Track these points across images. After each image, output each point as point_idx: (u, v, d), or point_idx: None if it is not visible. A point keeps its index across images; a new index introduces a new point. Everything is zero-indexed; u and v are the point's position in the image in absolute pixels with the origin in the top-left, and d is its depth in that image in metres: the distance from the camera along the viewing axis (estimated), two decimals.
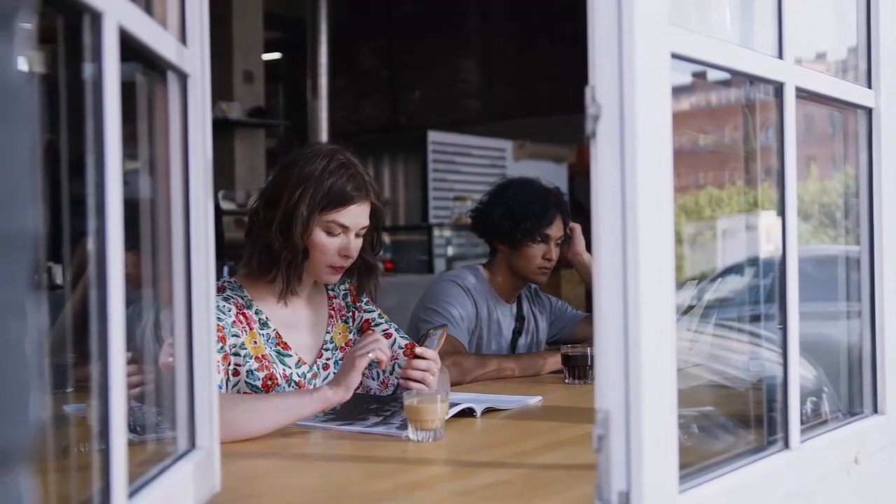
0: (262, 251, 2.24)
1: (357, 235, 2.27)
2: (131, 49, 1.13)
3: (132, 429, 1.25)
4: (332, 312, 2.42)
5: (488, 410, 2.21)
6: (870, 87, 1.83)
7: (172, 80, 1.36)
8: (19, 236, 0.58)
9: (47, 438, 1.09)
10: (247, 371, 2.17)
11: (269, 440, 1.93)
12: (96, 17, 1.01)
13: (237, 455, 1.76)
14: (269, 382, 2.20)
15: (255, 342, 2.21)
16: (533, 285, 3.23)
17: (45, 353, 0.62)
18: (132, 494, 1.11)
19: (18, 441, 0.57)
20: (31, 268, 0.60)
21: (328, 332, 2.38)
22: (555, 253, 3.06)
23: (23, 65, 0.60)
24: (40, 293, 0.63)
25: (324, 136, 8.92)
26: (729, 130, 2.07)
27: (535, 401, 2.38)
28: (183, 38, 1.37)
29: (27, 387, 0.58)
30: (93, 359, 1.04)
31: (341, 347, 2.39)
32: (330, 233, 2.23)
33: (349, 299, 2.46)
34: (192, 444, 1.39)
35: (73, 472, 1.22)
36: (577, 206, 6.05)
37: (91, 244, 1.03)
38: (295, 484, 1.66)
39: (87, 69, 1.02)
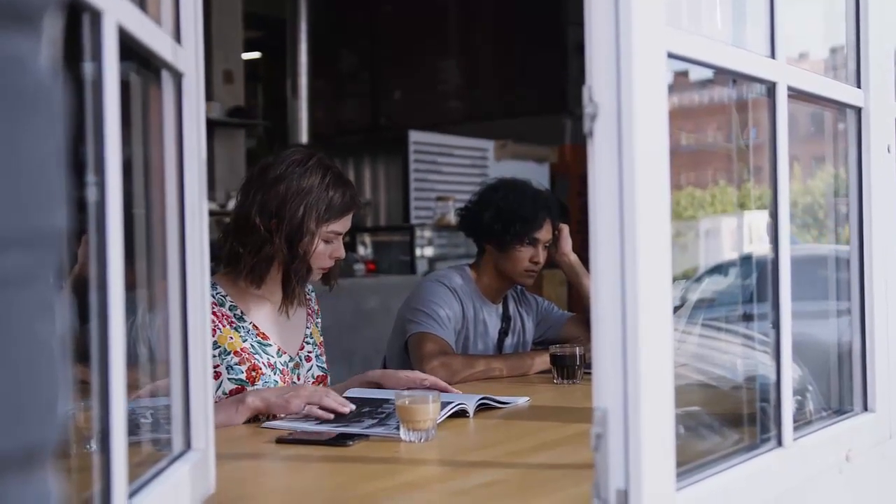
0: (264, 262, 2.28)
1: (343, 238, 2.39)
2: (127, 48, 1.12)
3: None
4: (310, 311, 2.52)
5: (482, 408, 2.23)
6: (859, 86, 1.85)
7: (167, 79, 1.35)
8: (48, 235, 0.58)
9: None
10: (227, 367, 2.21)
11: (264, 442, 1.92)
12: (96, 16, 1.00)
13: (232, 456, 1.76)
14: (254, 374, 2.27)
15: (232, 337, 2.26)
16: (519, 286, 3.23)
17: (71, 352, 0.62)
18: (131, 495, 1.10)
19: (48, 440, 0.57)
20: (58, 267, 0.60)
21: (308, 328, 2.48)
22: (542, 256, 3.06)
23: (50, 63, 0.60)
24: (64, 293, 0.63)
25: (304, 137, 8.90)
26: (711, 130, 2.08)
27: (523, 401, 2.39)
28: (178, 38, 1.36)
29: (56, 386, 0.57)
30: (92, 361, 1.03)
31: (319, 343, 2.50)
32: (327, 241, 2.33)
33: (317, 307, 2.57)
34: (188, 446, 1.38)
35: (67, 473, 1.21)
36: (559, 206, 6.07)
37: (91, 244, 1.02)
38: (290, 485, 1.66)
39: (87, 68, 1.02)
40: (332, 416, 2.06)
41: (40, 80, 0.59)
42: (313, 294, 2.57)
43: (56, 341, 0.58)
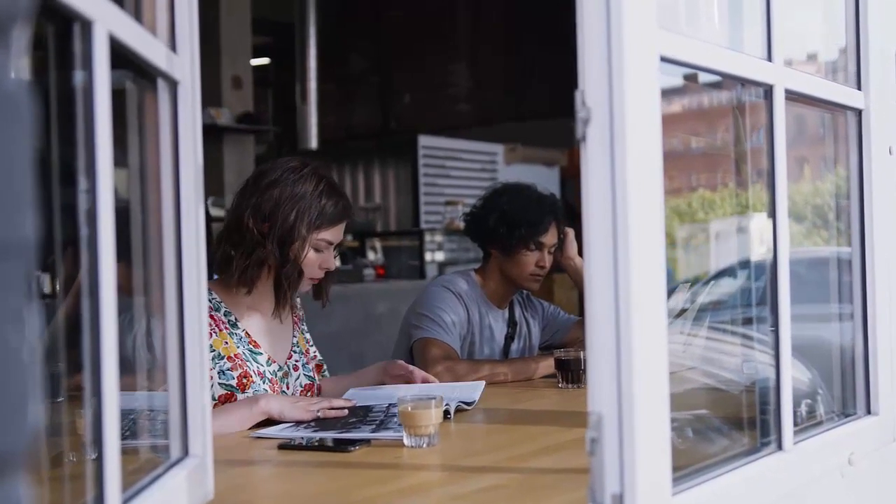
0: (255, 266, 2.29)
1: (335, 249, 2.41)
2: (121, 56, 1.13)
3: (123, 436, 1.25)
4: (296, 320, 2.54)
5: (459, 410, 2.25)
6: (859, 88, 1.84)
7: (162, 87, 1.36)
8: (18, 244, 0.58)
9: (40, 447, 1.09)
10: (219, 372, 2.23)
11: (262, 448, 1.92)
12: (87, 25, 1.00)
13: (230, 463, 1.76)
14: (245, 381, 2.29)
15: (227, 343, 2.30)
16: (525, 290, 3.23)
17: (42, 360, 0.63)
18: (126, 502, 1.10)
19: (17, 447, 0.58)
20: (29, 276, 0.60)
21: (294, 337, 2.50)
22: (548, 260, 3.06)
23: (20, 73, 0.61)
24: (36, 301, 0.64)
25: (313, 142, 8.90)
26: (721, 133, 2.08)
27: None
28: (173, 46, 1.37)
29: (26, 393, 0.58)
30: (85, 368, 1.03)
31: (305, 352, 2.52)
32: (317, 249, 2.35)
33: (302, 313, 2.60)
34: (186, 452, 1.39)
35: (62, 482, 1.21)
36: (569, 210, 6.07)
37: (82, 252, 1.02)
38: (289, 491, 1.66)
39: (78, 77, 1.02)
40: (346, 412, 2.17)
41: (10, 91, 0.59)
42: (298, 299, 2.58)
43: (27, 349, 0.59)
